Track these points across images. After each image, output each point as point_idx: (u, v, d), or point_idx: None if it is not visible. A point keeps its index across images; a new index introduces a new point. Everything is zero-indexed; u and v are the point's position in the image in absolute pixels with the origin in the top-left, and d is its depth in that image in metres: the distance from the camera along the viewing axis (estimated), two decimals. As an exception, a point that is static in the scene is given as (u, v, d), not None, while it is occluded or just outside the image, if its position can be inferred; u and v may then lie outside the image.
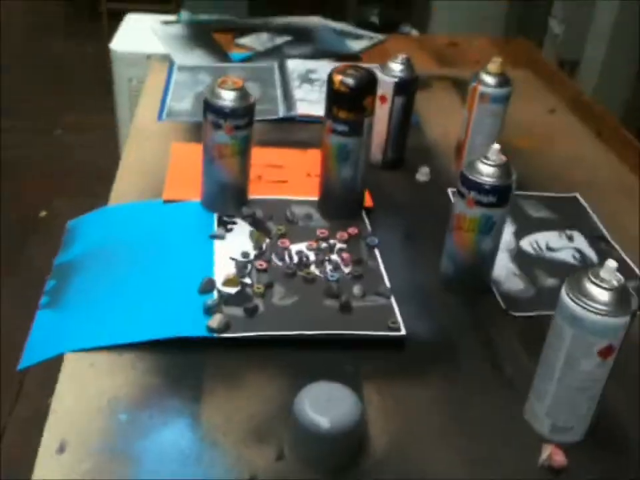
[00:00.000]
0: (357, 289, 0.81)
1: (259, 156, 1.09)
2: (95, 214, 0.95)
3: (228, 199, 0.93)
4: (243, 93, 0.86)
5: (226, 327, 0.73)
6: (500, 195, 0.78)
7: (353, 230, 0.91)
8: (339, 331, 0.75)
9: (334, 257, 0.87)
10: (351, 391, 0.63)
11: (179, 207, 0.94)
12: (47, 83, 3.20)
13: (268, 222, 0.92)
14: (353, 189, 0.93)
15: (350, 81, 0.84)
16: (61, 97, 3.04)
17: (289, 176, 1.05)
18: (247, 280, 0.81)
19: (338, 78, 0.84)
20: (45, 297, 0.81)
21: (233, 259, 0.84)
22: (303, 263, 0.84)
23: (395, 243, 0.93)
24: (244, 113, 0.86)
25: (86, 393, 0.67)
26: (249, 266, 0.83)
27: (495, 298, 0.85)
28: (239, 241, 0.88)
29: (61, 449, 0.61)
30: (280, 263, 0.85)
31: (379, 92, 1.02)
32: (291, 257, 0.86)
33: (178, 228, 0.90)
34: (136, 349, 0.72)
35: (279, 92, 1.32)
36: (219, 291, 0.78)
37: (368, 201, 0.98)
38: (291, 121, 1.23)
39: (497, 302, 0.84)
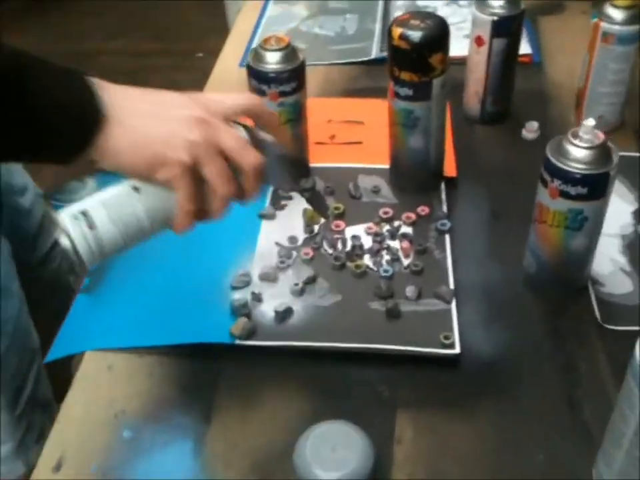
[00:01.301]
0: (410, 290, 0.68)
1: (338, 109, 0.97)
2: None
3: (280, 172, 0.82)
4: (289, 53, 0.74)
5: (250, 333, 0.65)
6: (593, 185, 0.61)
7: (423, 209, 0.78)
8: (377, 345, 0.64)
9: (394, 243, 0.74)
10: (363, 436, 0.53)
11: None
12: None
13: (329, 197, 0.81)
14: (425, 161, 0.79)
15: (412, 35, 0.69)
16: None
17: (366, 135, 0.91)
18: (289, 272, 0.72)
19: (397, 31, 0.69)
20: (87, 278, 0.77)
21: (278, 244, 0.75)
22: (355, 252, 0.73)
23: (476, 225, 0.78)
24: (290, 76, 0.74)
25: (95, 403, 0.63)
26: (294, 254, 0.74)
27: (590, 303, 0.69)
28: (290, 221, 0.78)
29: (58, 467, 0.58)
30: (330, 251, 0.74)
31: (475, 32, 0.85)
32: (344, 243, 0.75)
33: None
34: (157, 352, 0.66)
35: (377, 27, 1.16)
36: (252, 290, 0.70)
37: (450, 170, 0.83)
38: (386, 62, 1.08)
39: (592, 309, 0.68)
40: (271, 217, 0.78)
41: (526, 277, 0.71)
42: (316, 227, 0.77)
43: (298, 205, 0.80)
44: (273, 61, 0.74)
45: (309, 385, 0.63)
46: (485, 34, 0.85)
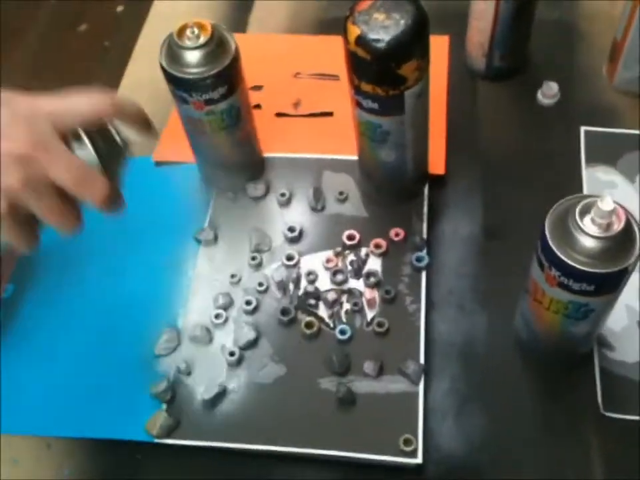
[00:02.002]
0: (369, 367, 0.56)
1: (309, 54, 0.78)
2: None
3: (224, 178, 0.66)
4: (213, 49, 0.55)
5: (169, 430, 0.54)
6: (603, 284, 0.45)
7: (397, 233, 0.62)
8: (323, 451, 0.53)
9: (357, 284, 0.60)
10: None
11: (170, 173, 0.70)
12: None
13: (283, 208, 0.66)
14: (401, 174, 0.62)
15: (374, 41, 0.49)
16: None
17: (340, 99, 0.72)
18: (227, 328, 0.59)
19: (354, 32, 0.49)
20: None
21: (215, 284, 0.62)
22: (308, 302, 0.60)
23: (463, 250, 0.63)
24: (216, 82, 0.55)
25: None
26: (233, 301, 0.60)
27: (592, 379, 0.55)
28: (235, 245, 0.64)
29: None
30: (279, 295, 0.61)
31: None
32: (296, 283, 0.61)
33: (162, 211, 0.67)
34: (66, 445, 0.56)
35: None
36: (178, 364, 0.57)
37: (437, 166, 0.66)
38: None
39: (593, 389, 0.55)
40: (210, 242, 0.64)
41: (516, 339, 0.57)
42: (263, 256, 0.63)
43: (244, 222, 0.65)
44: (191, 61, 0.55)
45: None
46: (492, -24, 0.63)
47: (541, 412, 0.55)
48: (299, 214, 0.65)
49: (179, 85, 0.55)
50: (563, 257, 0.44)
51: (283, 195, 0.65)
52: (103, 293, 0.61)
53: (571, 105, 0.71)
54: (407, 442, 0.52)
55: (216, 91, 0.55)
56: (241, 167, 0.66)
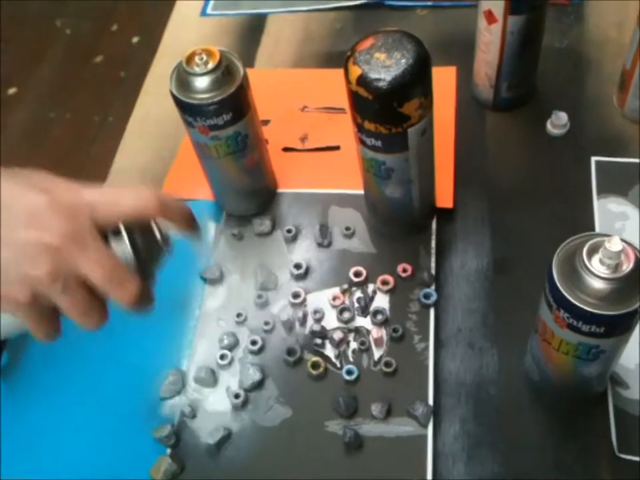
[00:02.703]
0: (376, 409, 0.55)
1: (316, 87, 0.77)
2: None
3: (234, 202, 0.66)
4: (219, 76, 0.55)
5: (173, 476, 0.53)
6: (614, 326, 0.44)
7: (405, 268, 0.61)
8: (328, 497, 0.52)
9: (364, 322, 0.59)
10: None
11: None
12: None
13: (290, 244, 0.65)
14: (407, 210, 0.61)
15: (375, 82, 0.48)
16: None
17: (347, 132, 0.72)
18: (232, 369, 0.58)
19: (355, 72, 0.49)
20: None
21: (220, 323, 0.61)
22: (314, 342, 0.59)
23: (471, 285, 0.62)
24: (221, 108, 0.55)
25: None
26: (239, 341, 0.60)
27: (606, 419, 0.54)
28: (241, 283, 0.63)
29: None
30: (285, 334, 0.60)
31: (484, 7, 0.63)
32: (302, 321, 0.60)
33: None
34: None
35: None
36: (182, 408, 0.57)
37: (445, 200, 0.65)
38: (380, 7, 0.85)
39: (608, 430, 0.53)
40: (216, 281, 0.63)
41: (527, 379, 0.56)
42: (270, 294, 0.62)
43: (250, 259, 0.64)
44: (198, 87, 0.55)
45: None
46: (498, 10, 0.63)
47: (555, 454, 0.53)
48: (305, 250, 0.64)
49: (185, 110, 0.56)
50: (571, 299, 0.43)
51: (289, 231, 0.65)
52: (106, 335, 0.61)
53: (581, 134, 0.70)
54: (416, 487, 0.51)
55: (220, 117, 0.55)
56: (251, 193, 0.65)
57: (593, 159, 0.68)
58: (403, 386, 0.56)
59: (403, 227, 0.63)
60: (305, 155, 0.72)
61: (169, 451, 0.54)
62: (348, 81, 0.50)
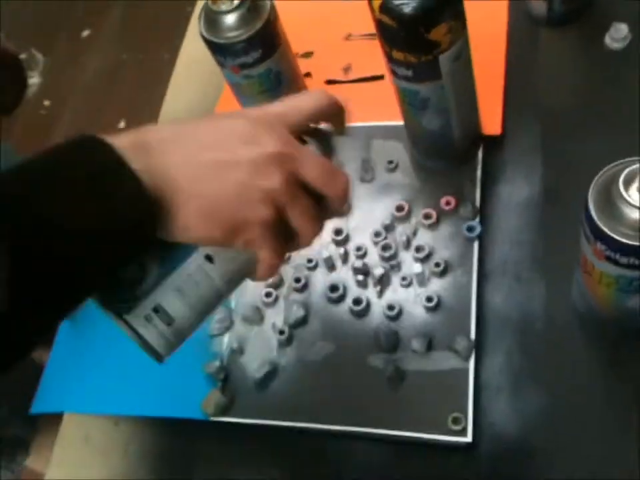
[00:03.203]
0: (417, 343, 0.55)
1: (356, 14, 0.74)
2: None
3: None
4: (245, 13, 0.54)
5: (223, 409, 0.56)
6: (652, 257, 0.41)
7: (448, 202, 0.60)
8: (372, 429, 0.53)
9: (407, 256, 0.59)
10: None
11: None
12: None
13: (332, 180, 0.64)
14: (448, 141, 0.59)
15: (398, 7, 0.46)
16: None
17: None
18: (277, 307, 0.59)
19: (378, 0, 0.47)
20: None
21: (266, 263, 0.62)
22: (357, 278, 0.59)
23: (519, 216, 0.60)
24: (249, 46, 0.54)
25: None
26: (283, 279, 0.61)
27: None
28: (283, 222, 0.64)
29: None
30: (327, 272, 0.60)
31: None
32: (345, 259, 0.60)
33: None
34: (134, 422, 0.59)
35: None
36: (231, 344, 0.58)
37: (492, 127, 0.63)
38: None
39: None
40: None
41: (574, 312, 0.54)
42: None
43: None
44: (225, 26, 0.54)
45: (295, 465, 0.54)
46: None
47: (603, 389, 0.52)
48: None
49: (214, 50, 0.56)
50: (607, 231, 0.41)
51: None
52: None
53: (645, 47, 0.64)
54: (456, 420, 0.51)
55: (249, 55, 0.55)
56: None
57: (658, 74, 0.62)
58: (445, 321, 0.55)
59: (446, 158, 0.61)
60: (348, 87, 0.70)
61: (219, 384, 0.57)
62: (372, 9, 0.47)
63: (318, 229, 0.40)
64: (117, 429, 0.59)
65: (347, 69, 0.71)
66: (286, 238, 0.39)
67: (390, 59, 0.51)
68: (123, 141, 0.34)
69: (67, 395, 0.62)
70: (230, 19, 0.54)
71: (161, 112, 0.77)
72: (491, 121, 0.62)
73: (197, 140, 0.37)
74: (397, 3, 0.46)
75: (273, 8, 0.55)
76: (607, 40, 0.65)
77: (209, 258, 0.39)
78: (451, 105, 0.54)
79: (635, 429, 0.50)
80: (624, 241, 0.40)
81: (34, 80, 2.15)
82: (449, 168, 0.61)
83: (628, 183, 0.40)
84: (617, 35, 0.64)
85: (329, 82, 0.71)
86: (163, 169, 0.35)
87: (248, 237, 0.37)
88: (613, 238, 0.41)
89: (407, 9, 0.46)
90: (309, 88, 0.66)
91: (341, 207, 0.41)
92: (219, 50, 0.55)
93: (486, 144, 0.62)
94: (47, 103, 2.12)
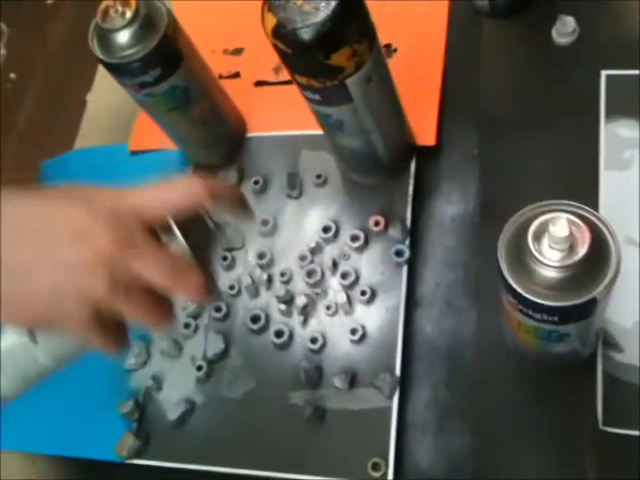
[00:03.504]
0: (339, 380, 0.51)
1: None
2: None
3: (197, 154, 0.62)
4: (141, 26, 0.48)
5: (137, 452, 0.53)
6: (568, 315, 0.38)
7: (377, 221, 0.56)
8: (290, 475, 0.50)
9: (333, 285, 0.55)
10: None
11: (146, 162, 0.66)
12: None
13: (259, 195, 0.60)
14: (373, 159, 0.54)
15: (294, 32, 0.41)
16: None
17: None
18: (196, 338, 0.56)
19: (271, 21, 0.42)
20: None
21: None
22: (280, 303, 0.55)
23: (452, 233, 0.56)
24: (148, 63, 0.49)
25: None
26: (203, 308, 0.57)
27: (594, 384, 0.49)
28: (205, 243, 0.60)
29: None
30: (249, 300, 0.57)
31: None
32: (269, 285, 0.57)
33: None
34: (50, 461, 0.57)
35: None
36: (146, 384, 0.55)
37: (427, 137, 0.58)
38: None
39: (594, 397, 0.48)
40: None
41: (503, 344, 0.51)
42: (237, 254, 0.58)
43: (215, 214, 0.60)
44: (118, 44, 0.49)
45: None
46: None
47: (533, 425, 0.49)
48: (274, 203, 0.60)
49: (109, 70, 0.50)
50: (517, 289, 0.37)
51: (256, 182, 0.60)
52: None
53: (592, 43, 0.59)
54: (375, 466, 0.48)
55: (147, 74, 0.50)
56: (212, 142, 0.60)
57: (604, 72, 0.58)
58: (370, 354, 0.52)
59: (374, 173, 0.57)
60: (277, 89, 0.65)
61: (133, 425, 0.54)
62: (265, 32, 0.43)
63: (162, 318, 0.38)
64: (34, 468, 0.57)
65: (277, 69, 0.66)
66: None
67: (295, 81, 0.46)
68: None
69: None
70: (122, 36, 0.49)
71: (84, 114, 0.73)
72: (426, 131, 0.58)
73: (17, 233, 0.33)
74: (289, 28, 0.41)
75: (171, 21, 0.50)
76: (554, 34, 0.60)
77: (32, 336, 0.38)
78: (369, 126, 0.49)
79: (565, 469, 0.47)
80: (535, 300, 0.37)
81: (-1, 52, 2.08)
82: (379, 182, 0.57)
83: (537, 238, 0.36)
84: (564, 28, 0.59)
85: (258, 83, 0.66)
86: None
87: (68, 327, 0.36)
88: (523, 296, 0.37)
89: (302, 35, 0.41)
90: (236, 91, 0.61)
91: (201, 299, 0.38)
92: (114, 70, 0.50)
93: (419, 155, 0.58)
94: (12, 75, 2.06)
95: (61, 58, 2.18)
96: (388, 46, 0.62)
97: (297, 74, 0.44)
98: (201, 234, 0.41)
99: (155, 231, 0.38)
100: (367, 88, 0.46)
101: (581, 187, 0.53)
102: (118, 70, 0.50)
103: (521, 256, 0.37)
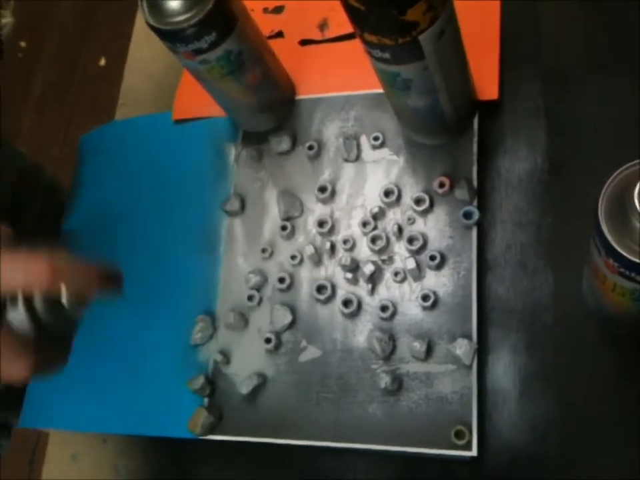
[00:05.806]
0: (414, 348, 0.50)
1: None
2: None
3: (248, 120, 0.59)
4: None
5: (210, 428, 0.52)
6: (673, 276, 0.36)
7: (440, 182, 0.54)
8: (367, 446, 0.49)
9: (399, 250, 0.53)
10: None
11: (191, 131, 0.63)
12: None
13: (313, 162, 0.58)
14: (438, 117, 0.52)
15: (366, -12, 0.38)
16: None
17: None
18: (261, 311, 0.55)
19: (344, -22, 0.39)
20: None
21: (245, 260, 0.57)
22: (346, 272, 0.54)
23: (522, 192, 0.54)
24: (201, 30, 0.47)
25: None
26: (266, 279, 0.56)
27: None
28: (263, 213, 0.58)
29: None
30: (313, 269, 0.55)
31: None
32: (332, 253, 0.55)
33: (186, 177, 0.62)
34: (121, 440, 0.57)
35: None
36: (215, 357, 0.54)
37: (488, 91, 0.55)
38: None
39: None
40: (237, 213, 0.58)
41: (585, 305, 0.49)
42: (296, 223, 0.57)
43: (271, 183, 0.59)
44: (171, 10, 0.47)
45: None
46: None
47: (620, 392, 0.47)
48: (330, 168, 0.57)
49: (162, 37, 0.48)
50: (620, 250, 0.35)
51: (311, 147, 0.58)
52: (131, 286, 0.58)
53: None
54: (459, 434, 0.47)
55: (202, 40, 0.48)
56: (263, 107, 0.58)
57: (677, 13, 0.54)
58: (444, 320, 0.51)
59: (438, 133, 0.54)
60: (325, 48, 0.63)
61: (206, 401, 0.53)
62: (337, -12, 0.40)
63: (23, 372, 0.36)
64: (105, 447, 0.57)
65: (322, 26, 0.63)
66: None
67: (363, 40, 0.43)
68: None
69: (53, 411, 0.58)
70: (175, 1, 0.46)
71: (121, 86, 0.70)
72: (488, 85, 0.55)
73: None
74: (362, -18, 0.38)
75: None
76: (619, -22, 0.57)
77: None
78: (438, 83, 0.47)
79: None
80: (633, 258, 0.35)
81: (7, 20, 2.03)
82: (443, 142, 0.55)
83: (642, 196, 0.34)
84: (630, -30, 0.56)
85: (303, 42, 0.63)
86: None
87: None
88: (626, 258, 0.35)
89: (376, -12, 0.38)
90: (280, 52, 0.58)
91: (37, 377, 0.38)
92: (167, 37, 0.48)
93: (483, 112, 0.55)
94: (23, 44, 2.02)
95: (71, 24, 2.12)
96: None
97: (366, 32, 0.42)
98: (53, 310, 0.37)
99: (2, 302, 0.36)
100: (438, 43, 0.43)
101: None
102: (171, 37, 0.47)
103: (623, 216, 0.35)
